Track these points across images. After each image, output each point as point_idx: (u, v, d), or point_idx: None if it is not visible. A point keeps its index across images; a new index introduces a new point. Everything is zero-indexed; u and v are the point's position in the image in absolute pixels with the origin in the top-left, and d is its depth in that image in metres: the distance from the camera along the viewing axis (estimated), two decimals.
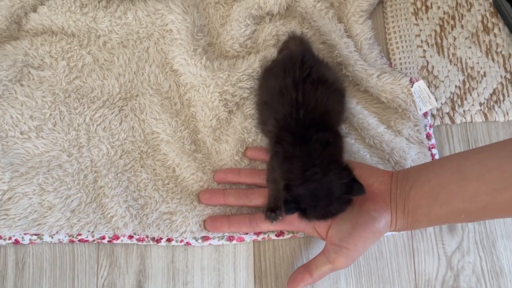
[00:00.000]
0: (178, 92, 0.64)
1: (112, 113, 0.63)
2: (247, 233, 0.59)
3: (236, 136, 0.62)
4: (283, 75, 0.55)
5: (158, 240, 0.60)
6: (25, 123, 0.62)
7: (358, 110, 0.62)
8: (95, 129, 0.62)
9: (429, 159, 0.62)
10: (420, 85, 0.60)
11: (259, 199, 0.58)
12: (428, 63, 0.65)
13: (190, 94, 0.64)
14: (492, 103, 0.64)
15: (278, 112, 0.54)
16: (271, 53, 0.63)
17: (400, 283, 0.59)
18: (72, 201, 0.60)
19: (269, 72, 0.59)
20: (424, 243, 0.61)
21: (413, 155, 0.61)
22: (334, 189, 0.48)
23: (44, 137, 0.62)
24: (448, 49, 0.66)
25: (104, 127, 0.63)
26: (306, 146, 0.50)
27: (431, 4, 0.67)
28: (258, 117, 0.60)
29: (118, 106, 0.63)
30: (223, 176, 0.60)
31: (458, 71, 0.65)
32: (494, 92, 0.64)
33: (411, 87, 0.60)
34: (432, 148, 0.62)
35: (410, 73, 0.65)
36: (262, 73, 0.61)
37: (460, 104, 0.64)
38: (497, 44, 0.66)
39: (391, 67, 0.65)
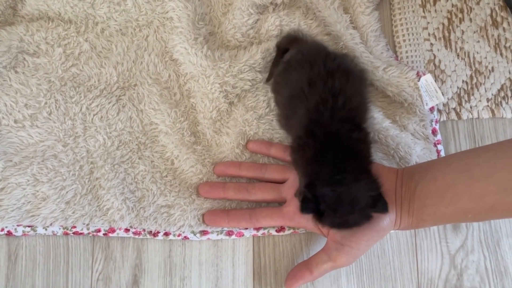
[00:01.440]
0: (177, 82, 0.62)
1: (109, 102, 0.61)
2: (246, 228, 0.58)
3: (237, 129, 0.60)
4: (309, 66, 0.52)
5: (155, 234, 0.58)
6: (19, 112, 0.60)
7: None
8: (92, 119, 0.61)
9: (434, 155, 0.60)
10: (427, 79, 0.58)
11: (259, 193, 0.57)
12: (435, 56, 0.64)
13: (190, 85, 0.62)
14: (499, 99, 0.62)
15: (309, 102, 0.50)
16: (274, 44, 0.61)
17: (402, 282, 0.58)
18: (67, 192, 0.58)
19: (288, 69, 0.56)
20: (427, 241, 0.59)
21: (418, 151, 0.60)
22: (360, 199, 0.46)
23: (39, 126, 0.60)
24: (456, 43, 0.64)
25: (101, 117, 0.61)
26: (339, 149, 0.48)
27: None
28: (280, 113, 0.57)
29: (116, 96, 0.62)
30: (223, 169, 0.59)
31: (465, 65, 0.63)
32: (502, 88, 0.63)
33: (418, 81, 0.59)
34: (438, 144, 0.60)
35: (417, 66, 0.63)
36: (279, 71, 0.58)
37: (467, 99, 0.63)
38: (505, 38, 0.64)
39: (397, 60, 0.63)
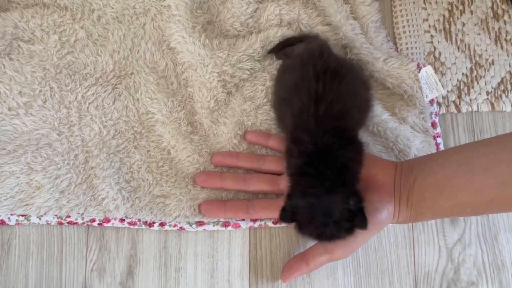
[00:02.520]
0: (175, 71, 0.62)
1: (105, 91, 0.60)
2: (243, 220, 0.57)
3: (234, 119, 0.59)
4: (300, 68, 0.51)
5: (150, 224, 0.57)
6: (13, 99, 0.59)
7: None
8: (87, 108, 0.60)
9: (433, 148, 0.60)
10: (428, 71, 0.58)
11: (257, 184, 0.56)
12: (435, 49, 0.63)
13: (187, 74, 0.61)
14: (499, 93, 0.62)
15: (293, 106, 0.50)
16: (274, 33, 0.60)
17: (399, 275, 0.58)
18: (61, 181, 0.57)
19: (286, 69, 0.56)
20: (424, 235, 0.59)
21: (417, 144, 0.59)
22: (334, 212, 0.45)
23: (33, 114, 0.59)
24: (457, 35, 0.64)
25: (97, 106, 0.60)
26: (323, 162, 0.47)
27: None
28: (276, 115, 0.57)
29: (112, 84, 0.61)
30: (221, 159, 0.58)
31: (465, 58, 0.63)
32: (502, 81, 0.62)
33: (418, 72, 0.58)
34: (437, 137, 0.60)
35: (417, 58, 0.62)
36: (279, 71, 0.58)
37: (466, 92, 0.62)
38: (506, 31, 0.64)
39: (397, 51, 0.63)
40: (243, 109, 0.60)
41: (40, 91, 0.60)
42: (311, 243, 0.55)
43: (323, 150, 0.47)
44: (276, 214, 0.55)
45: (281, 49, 0.60)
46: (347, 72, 0.51)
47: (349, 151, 0.48)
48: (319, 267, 0.53)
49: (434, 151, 0.60)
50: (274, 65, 0.61)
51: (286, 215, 0.47)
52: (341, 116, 0.48)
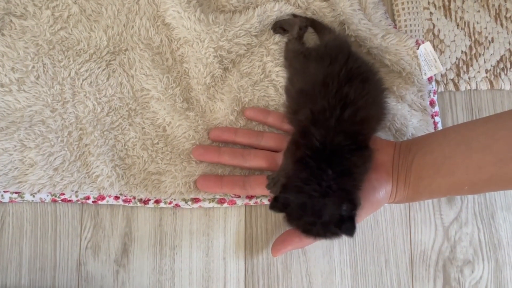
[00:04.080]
0: (170, 47, 0.61)
1: (99, 67, 0.59)
2: (239, 196, 0.57)
3: (231, 95, 0.59)
4: (329, 62, 0.49)
5: (145, 202, 0.57)
6: (6, 75, 0.58)
7: None
8: (81, 84, 0.59)
9: (431, 127, 0.59)
10: (427, 48, 0.57)
11: (254, 160, 0.56)
12: (434, 26, 0.62)
13: (183, 50, 0.60)
14: (498, 71, 0.61)
15: (316, 104, 0.48)
16: (271, 7, 0.59)
17: (395, 253, 0.58)
18: (55, 158, 0.57)
19: (306, 56, 0.53)
20: (421, 213, 0.59)
21: (415, 123, 0.59)
22: (323, 214, 0.45)
23: (26, 91, 0.58)
24: (456, 12, 0.63)
25: (90, 82, 0.59)
26: (328, 161, 0.46)
27: None
28: (288, 105, 0.54)
29: (106, 60, 0.60)
30: (219, 134, 0.57)
31: (465, 35, 0.62)
32: (501, 59, 0.62)
33: (417, 49, 0.57)
34: (435, 115, 0.59)
35: (415, 36, 0.62)
36: (292, 54, 0.56)
37: (465, 70, 0.61)
38: (506, 9, 0.63)
39: (395, 28, 0.62)
40: (240, 85, 0.59)
41: (33, 67, 0.59)
42: None
43: (331, 150, 0.46)
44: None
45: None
46: (373, 78, 0.51)
47: (357, 156, 0.47)
48: (313, 242, 0.53)
49: (432, 130, 0.59)
50: (271, 40, 0.60)
51: (277, 205, 0.47)
52: (362, 122, 0.48)
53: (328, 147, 0.46)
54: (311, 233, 0.47)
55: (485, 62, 0.61)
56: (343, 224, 0.45)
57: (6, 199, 0.56)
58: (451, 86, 0.61)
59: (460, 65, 0.61)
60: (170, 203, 0.57)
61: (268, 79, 0.60)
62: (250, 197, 0.57)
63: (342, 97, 0.47)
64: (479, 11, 0.63)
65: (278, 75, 0.59)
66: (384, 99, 0.53)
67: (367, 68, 0.51)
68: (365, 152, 0.48)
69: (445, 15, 0.62)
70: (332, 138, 0.46)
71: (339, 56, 0.50)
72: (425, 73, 0.58)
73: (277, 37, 0.60)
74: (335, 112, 0.47)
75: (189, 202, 0.57)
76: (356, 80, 0.48)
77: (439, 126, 0.59)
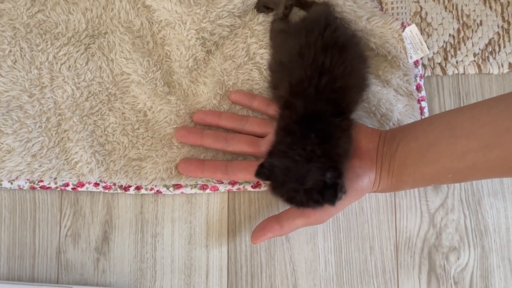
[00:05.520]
0: (151, 30, 0.59)
1: (77, 51, 0.58)
2: (222, 182, 0.56)
3: (215, 78, 0.57)
4: (305, 34, 0.49)
5: (126, 188, 0.56)
6: None
7: None
8: (59, 68, 0.57)
9: (417, 112, 0.58)
10: (412, 30, 0.56)
11: (238, 145, 0.54)
12: (421, 8, 0.61)
13: (164, 32, 0.58)
14: (487, 54, 0.60)
15: (293, 75, 0.48)
16: None
17: (380, 240, 0.57)
18: (33, 145, 0.55)
19: (286, 32, 0.53)
20: (407, 200, 0.58)
21: (400, 108, 0.57)
22: (307, 180, 0.44)
23: (2, 75, 0.57)
24: None
25: (69, 66, 0.57)
26: (311, 127, 0.46)
27: None
28: (269, 80, 0.54)
29: (85, 44, 0.58)
30: (203, 117, 0.56)
31: (453, 18, 0.61)
32: (489, 43, 0.60)
33: (403, 31, 0.56)
34: (422, 100, 0.58)
35: (402, 18, 0.60)
36: (276, 31, 0.56)
37: (453, 54, 0.60)
38: None
39: (381, 11, 0.60)
40: (224, 69, 0.57)
41: (10, 51, 0.57)
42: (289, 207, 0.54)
43: (314, 116, 0.46)
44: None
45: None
46: (353, 47, 0.50)
47: (340, 122, 0.47)
48: (294, 230, 0.52)
49: (418, 115, 0.58)
50: (255, 20, 0.59)
51: (263, 171, 0.46)
52: (341, 91, 0.48)
53: (310, 114, 0.46)
54: (294, 201, 0.46)
55: (473, 45, 0.60)
56: (326, 191, 0.44)
57: None
58: (438, 70, 0.60)
59: (448, 49, 0.60)
60: (151, 189, 0.56)
61: (252, 61, 0.58)
62: (233, 183, 0.56)
63: (318, 66, 0.47)
64: None
65: (263, 57, 0.58)
66: (364, 69, 0.52)
67: (346, 38, 0.50)
68: (347, 122, 0.48)
69: None
70: (314, 106, 0.46)
71: (315, 27, 0.49)
72: (410, 57, 0.57)
73: (261, 17, 0.59)
74: (313, 80, 0.47)
75: (171, 188, 0.56)
76: (332, 50, 0.48)
77: (426, 112, 0.58)
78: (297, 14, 0.58)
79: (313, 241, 0.57)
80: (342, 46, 0.49)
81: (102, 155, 0.56)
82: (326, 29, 0.49)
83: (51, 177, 0.55)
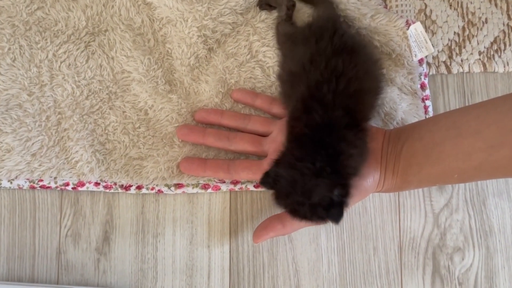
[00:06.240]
0: (151, 28, 0.58)
1: (77, 49, 0.57)
2: (224, 182, 0.55)
3: (216, 77, 0.56)
4: (313, 42, 0.48)
5: (127, 188, 0.55)
6: None
7: None
8: (59, 66, 0.57)
9: (421, 111, 0.57)
10: (417, 28, 0.55)
11: (240, 144, 0.54)
12: (426, 6, 0.60)
13: (166, 29, 0.58)
14: (492, 52, 0.59)
15: (309, 80, 0.46)
16: None
17: (383, 240, 0.56)
18: (33, 144, 0.55)
19: (293, 41, 0.52)
20: (411, 200, 0.57)
21: (404, 107, 0.57)
22: (313, 195, 0.43)
23: (2, 74, 0.56)
24: None
25: (69, 64, 0.57)
26: (322, 142, 0.44)
27: None
28: (281, 91, 0.53)
29: (85, 42, 0.57)
30: (205, 115, 0.55)
31: (458, 16, 0.60)
32: (495, 41, 0.59)
33: (407, 29, 0.55)
34: (426, 99, 0.58)
35: (407, 16, 0.59)
36: (283, 38, 0.55)
37: (458, 52, 0.59)
38: None
39: (386, 8, 0.60)
40: (226, 66, 0.57)
41: (9, 49, 0.56)
42: None
43: (329, 126, 0.45)
44: (257, 176, 0.53)
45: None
46: (362, 50, 0.49)
47: (354, 135, 0.45)
48: (296, 229, 0.51)
49: (422, 114, 0.57)
50: (257, 17, 0.58)
51: (267, 180, 0.45)
52: (356, 95, 0.46)
53: (326, 123, 0.45)
54: (298, 214, 0.45)
55: (478, 43, 0.59)
56: (331, 209, 0.43)
57: None
58: (443, 69, 0.59)
59: (453, 47, 0.59)
60: (152, 189, 0.55)
61: (255, 59, 0.57)
62: (235, 183, 0.55)
63: (332, 70, 0.46)
64: None
65: (265, 55, 0.57)
66: (377, 70, 0.51)
67: (354, 41, 0.49)
68: (364, 133, 0.47)
69: None
70: (331, 112, 0.45)
71: (324, 33, 0.48)
72: (415, 55, 0.56)
73: (264, 14, 0.58)
74: (332, 84, 0.45)
75: (172, 188, 0.55)
76: (343, 53, 0.47)
77: (430, 110, 0.58)
78: (302, 11, 0.58)
79: (316, 241, 0.56)
80: (351, 50, 0.48)
81: (103, 154, 0.55)
82: (335, 34, 0.48)
83: (51, 177, 0.55)
